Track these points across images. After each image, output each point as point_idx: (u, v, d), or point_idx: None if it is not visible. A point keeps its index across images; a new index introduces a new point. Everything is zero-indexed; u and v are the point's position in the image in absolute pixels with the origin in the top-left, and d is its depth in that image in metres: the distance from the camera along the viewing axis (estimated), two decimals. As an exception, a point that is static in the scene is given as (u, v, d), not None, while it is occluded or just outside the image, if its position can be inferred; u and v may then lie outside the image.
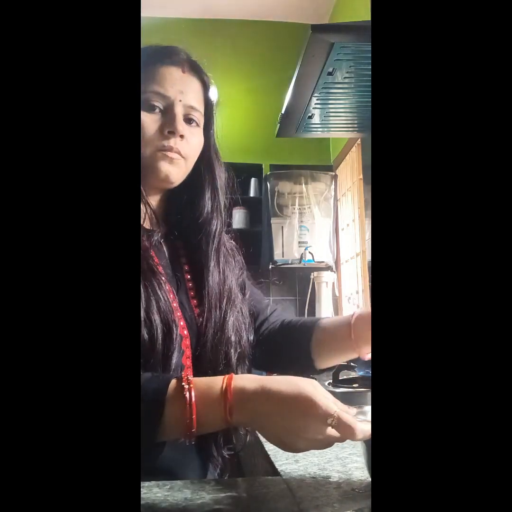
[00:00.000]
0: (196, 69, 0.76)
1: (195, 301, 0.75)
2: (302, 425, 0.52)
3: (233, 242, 0.83)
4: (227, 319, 0.74)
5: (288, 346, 0.82)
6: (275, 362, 0.85)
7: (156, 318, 0.65)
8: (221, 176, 0.81)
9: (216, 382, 0.56)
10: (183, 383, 0.55)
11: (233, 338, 0.74)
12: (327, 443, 0.53)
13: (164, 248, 0.76)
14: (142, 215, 0.72)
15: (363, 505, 0.52)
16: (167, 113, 0.71)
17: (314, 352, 0.79)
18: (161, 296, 0.67)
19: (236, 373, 0.72)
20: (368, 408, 0.59)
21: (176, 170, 0.73)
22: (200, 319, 0.73)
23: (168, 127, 0.71)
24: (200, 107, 0.77)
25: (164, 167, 0.71)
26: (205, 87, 0.78)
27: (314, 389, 0.53)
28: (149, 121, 0.70)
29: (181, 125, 0.72)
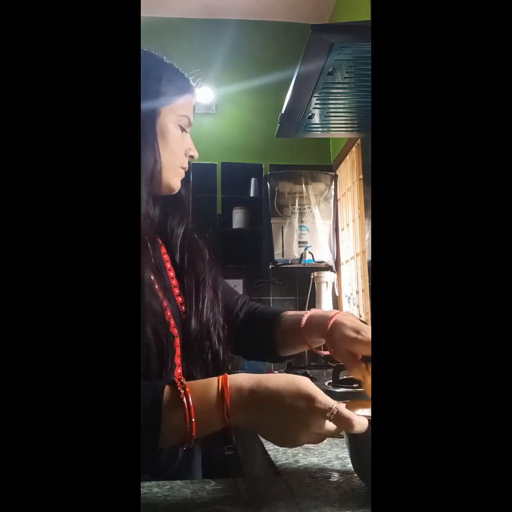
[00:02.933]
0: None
1: (180, 299, 0.78)
2: (303, 420, 0.53)
3: (200, 240, 0.87)
4: (204, 299, 0.79)
5: (255, 334, 0.87)
6: (243, 347, 0.90)
7: (151, 324, 0.66)
8: (187, 189, 0.88)
9: (212, 383, 0.56)
10: (178, 388, 0.55)
11: (210, 316, 0.78)
12: (325, 436, 0.55)
13: (150, 248, 0.77)
14: None
15: (363, 505, 0.52)
16: (188, 137, 0.81)
17: (278, 342, 0.86)
18: (153, 301, 0.68)
19: (217, 349, 0.76)
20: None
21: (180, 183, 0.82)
22: (185, 315, 0.77)
23: (191, 152, 0.81)
24: None
25: (178, 182, 0.81)
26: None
27: (312, 385, 0.55)
28: (181, 141, 0.79)
29: (196, 151, 0.82)
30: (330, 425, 0.53)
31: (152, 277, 0.71)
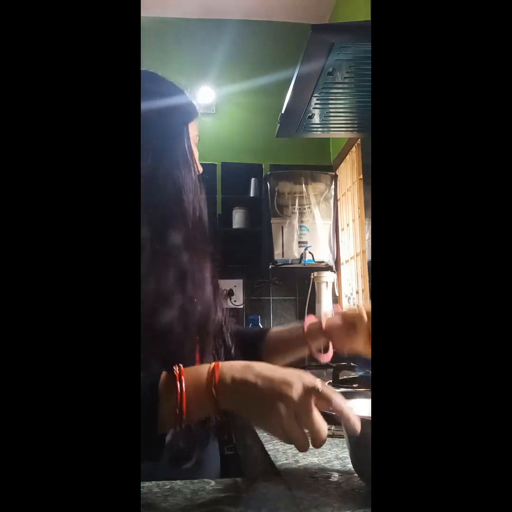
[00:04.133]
0: None
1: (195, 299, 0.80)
2: (287, 399, 0.54)
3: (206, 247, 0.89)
4: (217, 303, 0.81)
5: (240, 351, 0.89)
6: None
7: (187, 309, 0.71)
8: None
9: (204, 367, 0.60)
10: (174, 373, 0.58)
11: (221, 317, 0.82)
12: (311, 418, 0.54)
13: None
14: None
15: (363, 505, 0.52)
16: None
17: (265, 356, 0.90)
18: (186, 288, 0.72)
19: (230, 345, 0.82)
20: (351, 402, 0.61)
21: None
22: (200, 308, 0.79)
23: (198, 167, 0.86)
24: None
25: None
26: None
27: (301, 372, 0.57)
28: (196, 156, 0.83)
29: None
30: (313, 405, 0.54)
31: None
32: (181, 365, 0.60)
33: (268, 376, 0.57)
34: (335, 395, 0.55)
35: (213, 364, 0.60)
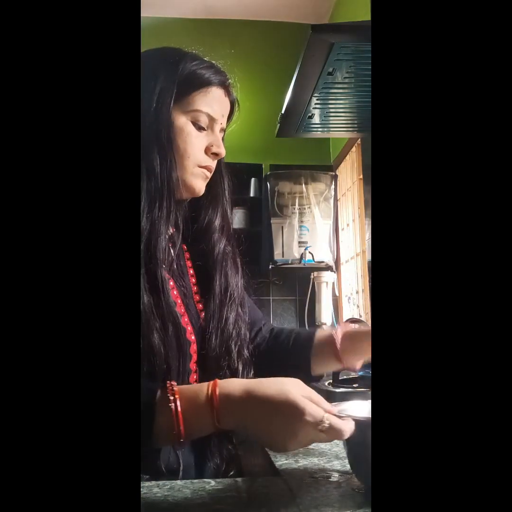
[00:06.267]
0: (231, 93, 0.79)
1: (200, 305, 0.77)
2: (291, 430, 0.53)
3: (236, 249, 0.83)
4: (228, 317, 0.76)
5: (287, 354, 0.83)
6: (272, 369, 0.83)
7: (166, 329, 0.66)
8: (227, 189, 0.82)
9: (202, 389, 0.56)
10: (168, 394, 0.55)
11: (233, 333, 0.76)
12: (314, 442, 0.55)
13: (172, 253, 0.75)
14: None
15: (363, 505, 0.52)
16: (212, 134, 0.75)
17: (313, 362, 0.82)
18: (170, 307, 0.67)
19: (237, 367, 0.74)
20: (347, 404, 0.60)
21: (204, 184, 0.76)
22: (205, 322, 0.75)
23: (215, 149, 0.75)
24: (225, 129, 0.81)
25: (200, 183, 0.75)
26: (232, 111, 0.81)
27: (301, 392, 0.54)
28: (197, 139, 0.73)
29: (223, 148, 0.76)
30: (321, 435, 0.53)
31: (171, 283, 0.71)
32: (175, 383, 0.57)
33: (273, 399, 0.53)
34: (343, 424, 0.52)
35: (210, 383, 0.56)
